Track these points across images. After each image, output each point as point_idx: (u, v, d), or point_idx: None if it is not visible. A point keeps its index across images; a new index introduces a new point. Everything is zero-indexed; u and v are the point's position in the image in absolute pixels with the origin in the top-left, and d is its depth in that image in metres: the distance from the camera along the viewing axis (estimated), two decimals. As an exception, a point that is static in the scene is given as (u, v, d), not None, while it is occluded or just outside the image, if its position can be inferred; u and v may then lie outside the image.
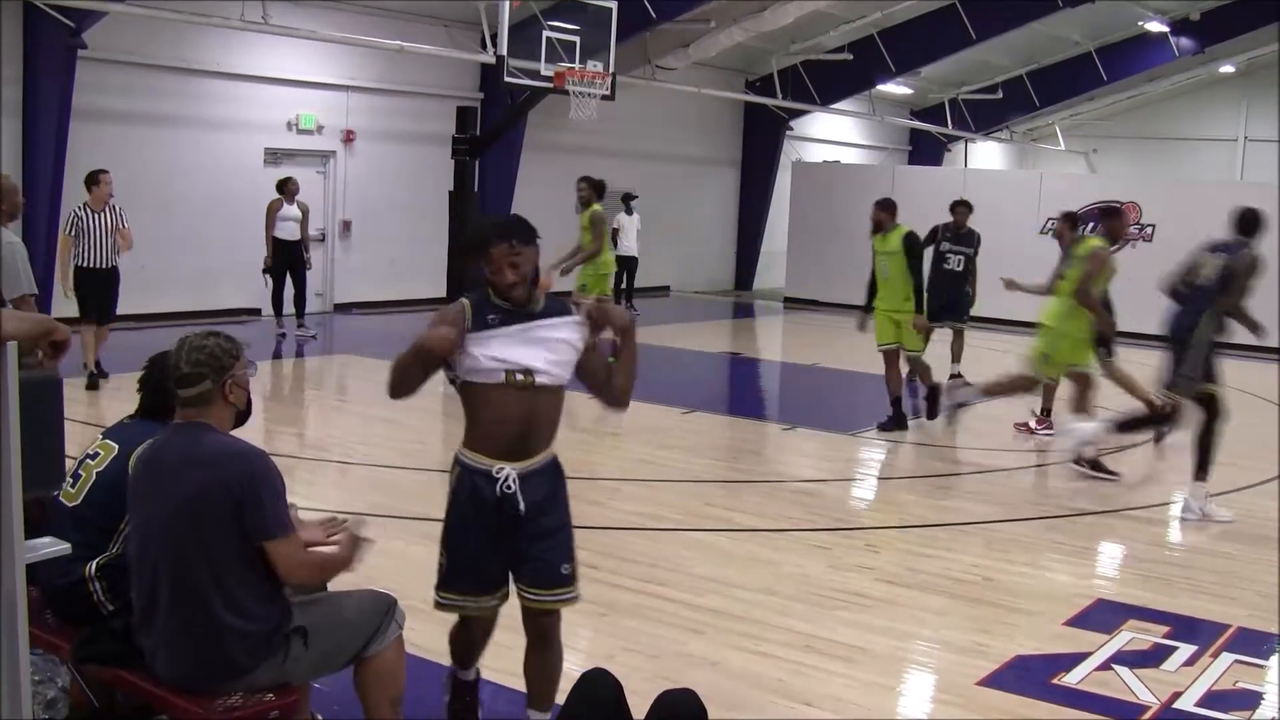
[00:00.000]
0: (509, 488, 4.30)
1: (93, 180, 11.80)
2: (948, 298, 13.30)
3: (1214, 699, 5.53)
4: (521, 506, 4.32)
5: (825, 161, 26.56)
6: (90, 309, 11.80)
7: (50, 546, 3.93)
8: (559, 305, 4.51)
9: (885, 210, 11.85)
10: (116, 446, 4.38)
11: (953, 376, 13.40)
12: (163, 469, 3.90)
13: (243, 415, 4.15)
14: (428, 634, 5.72)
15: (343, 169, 18.52)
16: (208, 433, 3.92)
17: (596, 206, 14.00)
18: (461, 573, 4.46)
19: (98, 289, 11.78)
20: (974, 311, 14.26)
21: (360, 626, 4.15)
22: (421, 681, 5.10)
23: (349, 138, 18.48)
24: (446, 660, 5.48)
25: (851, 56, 23.75)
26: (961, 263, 13.58)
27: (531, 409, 4.34)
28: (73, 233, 11.73)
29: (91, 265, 11.74)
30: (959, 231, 13.75)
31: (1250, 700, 5.56)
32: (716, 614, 6.22)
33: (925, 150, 30.68)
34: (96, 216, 11.72)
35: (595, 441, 10.77)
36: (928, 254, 12.44)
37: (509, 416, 4.33)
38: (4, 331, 3.26)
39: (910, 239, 11.42)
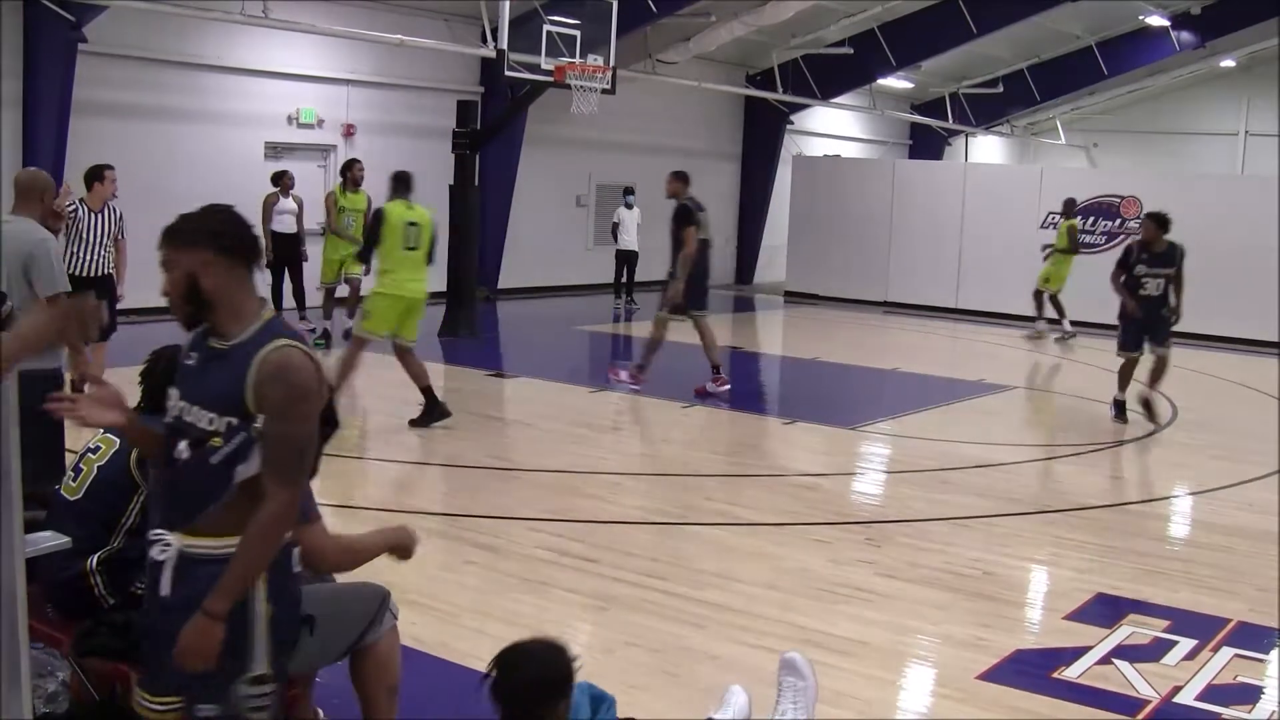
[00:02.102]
0: (160, 554, 3.37)
1: (95, 176, 10.37)
2: (1146, 322, 11.69)
3: (1214, 693, 5.53)
4: (165, 588, 3.36)
5: (826, 155, 26.54)
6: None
7: (50, 540, 3.93)
8: (259, 340, 3.36)
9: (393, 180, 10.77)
10: (118, 440, 4.38)
11: (1144, 403, 11.71)
12: None
13: None
14: (428, 627, 5.75)
15: (343, 163, 18.48)
16: None
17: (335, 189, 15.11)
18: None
19: (94, 296, 10.40)
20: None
21: (356, 617, 4.15)
22: (419, 674, 5.10)
23: (349, 132, 18.47)
24: (443, 654, 5.50)
25: (852, 50, 23.74)
26: (1161, 286, 11.62)
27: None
28: (65, 232, 9.92)
29: (80, 272, 10.01)
30: (1155, 250, 11.68)
31: (1251, 694, 5.57)
32: (717, 608, 6.22)
33: (926, 144, 30.67)
34: (93, 216, 10.22)
35: (595, 436, 10.78)
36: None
37: (157, 476, 3.56)
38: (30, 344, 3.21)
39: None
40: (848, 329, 19.81)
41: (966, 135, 31.62)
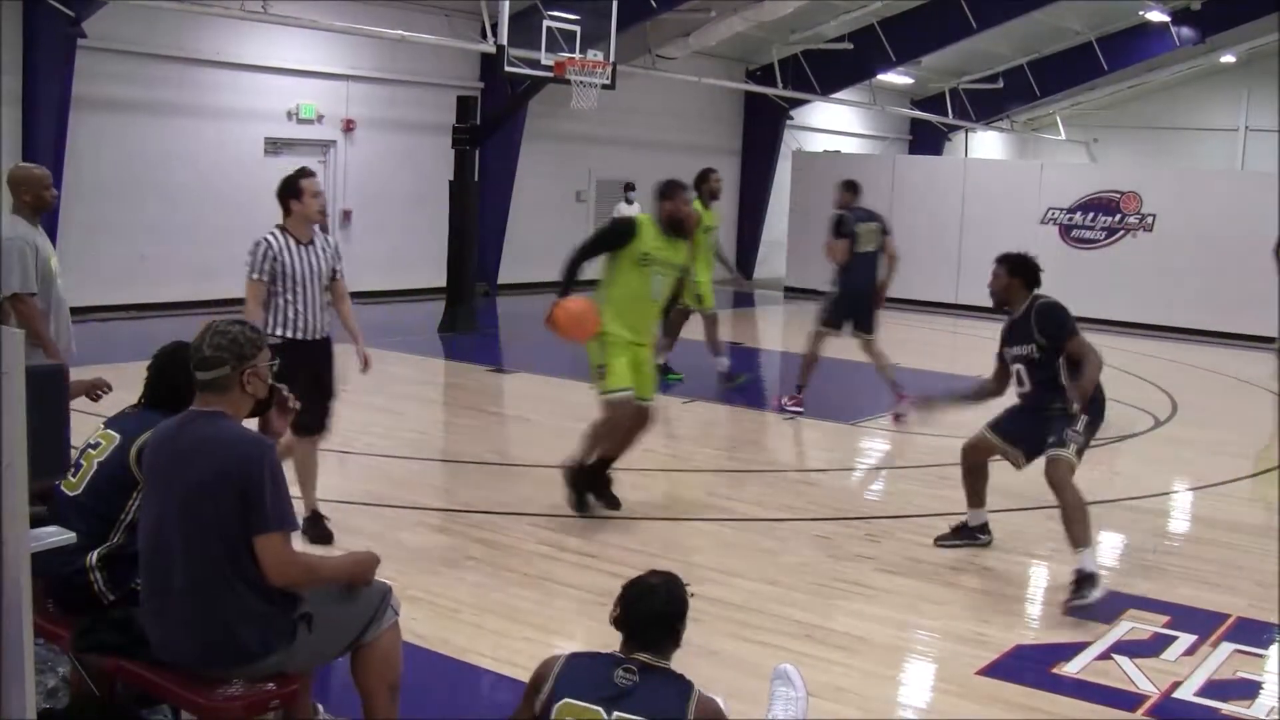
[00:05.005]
0: None
1: (290, 191, 6.88)
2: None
3: (1213, 688, 5.54)
4: None
5: (825, 151, 26.55)
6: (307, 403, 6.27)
7: (55, 536, 3.94)
8: None
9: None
10: (118, 436, 4.39)
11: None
12: (177, 455, 3.92)
13: (261, 405, 4.14)
14: (427, 623, 5.75)
15: (343, 158, 18.50)
16: (222, 420, 3.94)
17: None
18: None
19: (307, 372, 6.64)
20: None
21: (357, 613, 4.16)
22: (419, 669, 5.11)
23: (349, 127, 18.46)
24: (443, 649, 5.51)
25: (852, 46, 23.73)
26: (1025, 375, 7.08)
27: None
28: (267, 274, 6.78)
29: (294, 335, 6.86)
30: (1013, 312, 7.24)
31: (1250, 690, 5.58)
32: (717, 603, 6.21)
33: (926, 140, 30.67)
34: (300, 252, 6.86)
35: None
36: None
37: None
38: None
39: None
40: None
41: (966, 131, 31.61)
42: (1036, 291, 7.07)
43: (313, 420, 6.87)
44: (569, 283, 7.58)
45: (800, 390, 11.71)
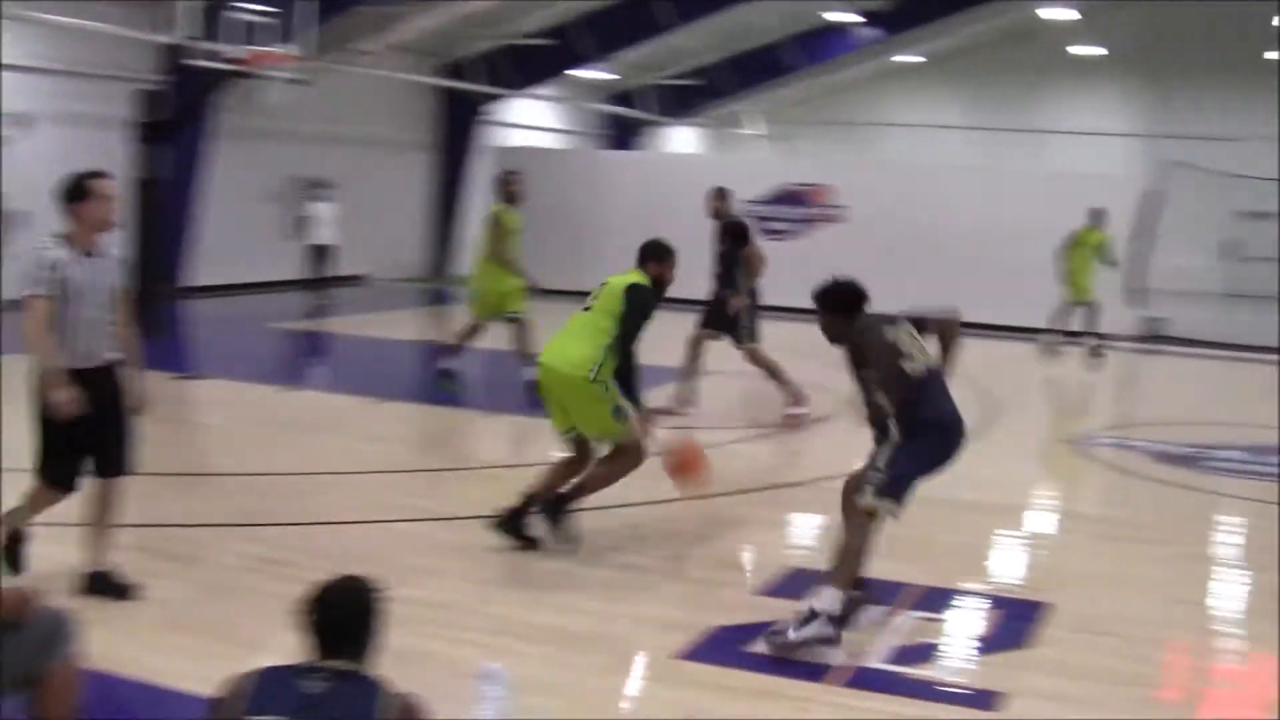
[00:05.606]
0: None
1: (79, 191, 5.94)
2: None
3: (900, 655, 5.88)
4: None
5: (524, 146, 26.59)
6: (71, 451, 6.08)
7: None
8: None
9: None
10: None
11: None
12: None
13: None
14: (115, 646, 5.45)
15: (16, 155, 17.38)
16: None
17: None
18: None
19: (94, 406, 5.94)
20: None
21: (28, 645, 3.93)
22: (109, 696, 4.87)
23: (23, 122, 17.36)
24: (134, 671, 5.26)
25: (550, 41, 23.87)
26: None
27: None
28: (53, 289, 5.84)
29: (76, 364, 5.92)
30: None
31: (933, 653, 5.95)
32: (417, 604, 6.11)
33: (624, 135, 31.07)
34: (89, 264, 5.94)
35: (283, 436, 10.50)
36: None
37: None
38: None
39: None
40: (547, 318, 19.90)
41: (664, 126, 32.19)
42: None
43: (107, 462, 6.13)
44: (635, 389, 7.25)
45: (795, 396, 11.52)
